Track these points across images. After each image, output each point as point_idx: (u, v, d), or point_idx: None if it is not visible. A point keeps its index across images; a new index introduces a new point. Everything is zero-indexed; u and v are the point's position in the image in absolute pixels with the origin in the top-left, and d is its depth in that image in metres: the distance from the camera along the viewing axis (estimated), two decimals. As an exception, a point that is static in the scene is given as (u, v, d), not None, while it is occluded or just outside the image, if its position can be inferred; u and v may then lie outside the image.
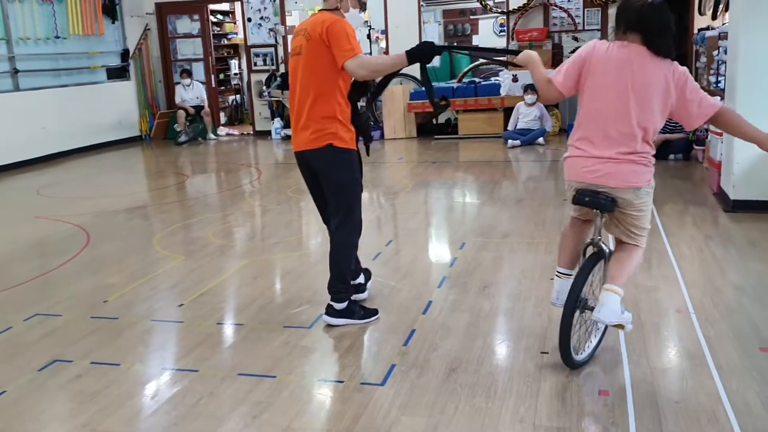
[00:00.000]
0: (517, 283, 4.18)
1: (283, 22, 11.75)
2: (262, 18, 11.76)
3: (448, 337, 3.45)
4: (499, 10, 10.79)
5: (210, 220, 6.18)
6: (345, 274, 3.67)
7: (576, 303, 2.93)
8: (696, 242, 4.77)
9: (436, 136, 10.36)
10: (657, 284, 4.02)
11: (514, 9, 10.50)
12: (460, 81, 10.75)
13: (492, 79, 10.62)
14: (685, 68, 2.84)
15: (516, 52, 3.23)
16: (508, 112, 9.81)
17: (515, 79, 9.92)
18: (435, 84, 10.51)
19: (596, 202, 2.93)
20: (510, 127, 9.48)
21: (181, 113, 11.49)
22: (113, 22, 11.44)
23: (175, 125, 11.63)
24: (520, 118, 9.39)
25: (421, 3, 10.99)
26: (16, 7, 9.49)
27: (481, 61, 10.95)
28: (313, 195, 3.79)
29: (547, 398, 2.81)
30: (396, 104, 10.54)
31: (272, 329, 3.63)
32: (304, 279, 4.44)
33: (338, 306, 3.64)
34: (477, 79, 10.60)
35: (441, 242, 5.26)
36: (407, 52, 3.36)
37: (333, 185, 3.59)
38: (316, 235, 5.58)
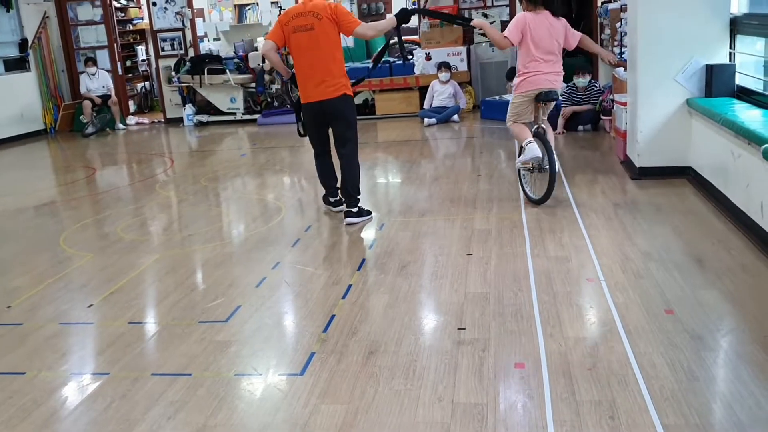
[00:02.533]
0: (434, 260, 4.21)
1: (189, 5, 11.39)
2: (167, 2, 11.35)
3: (367, 320, 3.44)
4: (411, -12, 10.77)
5: (121, 215, 5.95)
6: (358, 182, 5.13)
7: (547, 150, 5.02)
8: (605, 211, 4.92)
9: (353, 117, 10.28)
10: (568, 254, 4.13)
11: (424, -15, 10.51)
12: (375, 62, 10.68)
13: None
14: (565, 20, 5.09)
15: (469, 20, 5.37)
16: (423, 91, 9.85)
17: (428, 58, 9.95)
18: (349, 65, 10.44)
19: (553, 97, 5.09)
20: (426, 106, 9.52)
21: (87, 104, 11.00)
22: (8, 11, 10.81)
23: (81, 116, 11.13)
24: (435, 96, 9.44)
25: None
26: None
27: (395, 39, 10.92)
28: (317, 135, 5.20)
29: (465, 375, 2.84)
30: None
31: (187, 325, 3.53)
32: (220, 270, 4.34)
33: (355, 210, 5.06)
34: (391, 59, 10.58)
35: (359, 225, 5.23)
36: (394, 15, 5.04)
37: (346, 122, 5.10)
38: (230, 226, 5.47)
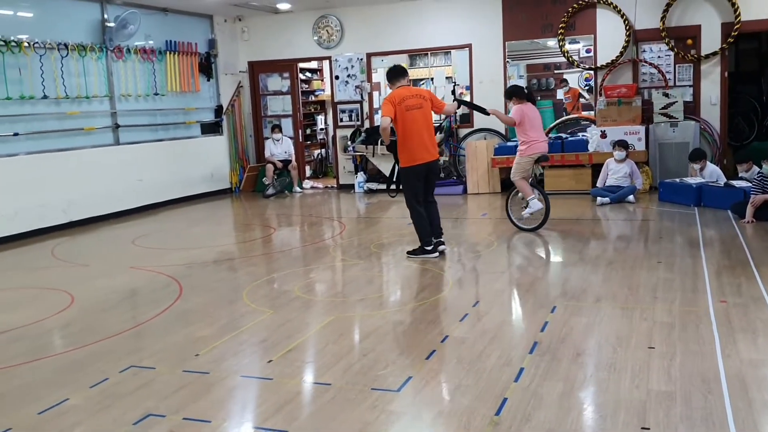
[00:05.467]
0: (611, 351, 4.00)
1: (369, 79, 12.03)
2: (349, 76, 12.09)
3: (541, 407, 3.32)
4: (586, 66, 10.69)
5: (296, 274, 6.26)
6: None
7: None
8: (807, 312, 4.46)
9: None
10: (765, 358, 3.77)
11: (602, 65, 10.39)
12: (546, 135, 10.66)
13: (579, 134, 10.48)
14: None
15: (485, 110, 7.24)
16: (595, 168, 9.62)
17: (604, 135, 9.75)
18: (518, 140, 10.47)
19: (547, 159, 7.70)
20: (599, 184, 9.28)
21: (270, 167, 11.84)
22: (208, 80, 12.00)
23: (264, 179, 11.98)
24: (610, 175, 9.19)
25: (507, 60, 11.03)
26: (119, 65, 10.11)
27: (569, 116, 10.87)
28: (422, 189, 6.52)
29: (652, 481, 2.64)
30: (480, 159, 10.53)
31: (360, 390, 3.59)
32: (390, 338, 4.40)
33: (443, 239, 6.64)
34: (564, 135, 10.48)
35: (530, 305, 5.12)
36: (455, 101, 7.10)
37: (437, 177, 6.80)
38: (397, 294, 5.56)
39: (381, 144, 11.26)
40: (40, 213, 8.68)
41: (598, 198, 8.99)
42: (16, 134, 8.52)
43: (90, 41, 9.59)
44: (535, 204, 7.29)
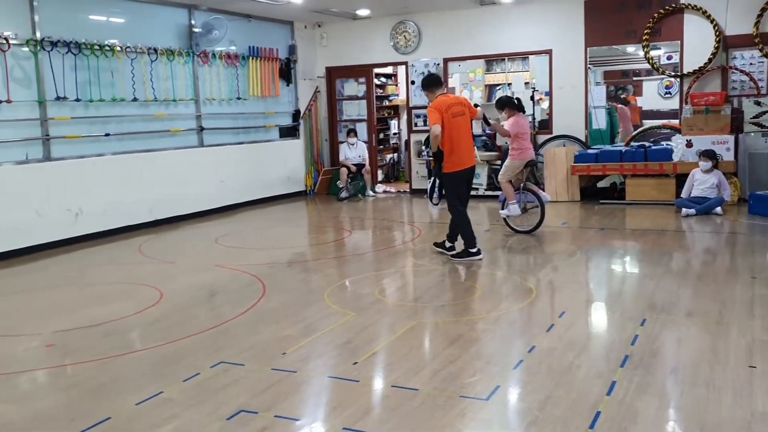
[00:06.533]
0: (708, 368, 3.85)
1: (445, 84, 11.98)
2: (425, 80, 12.06)
3: (636, 422, 3.22)
4: (672, 73, 10.37)
5: (377, 277, 6.29)
6: None
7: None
8: None
9: (601, 201, 10.04)
10: None
11: (689, 72, 10.06)
12: (627, 144, 10.42)
13: (663, 143, 10.17)
14: None
15: (488, 121, 7.47)
16: (680, 178, 9.32)
17: (689, 144, 9.44)
18: (600, 146, 10.26)
19: (535, 164, 8.19)
20: (684, 195, 8.98)
21: (344, 171, 11.96)
22: (288, 85, 12.22)
23: (338, 182, 12.11)
24: (696, 185, 8.88)
25: (588, 65, 10.82)
26: (205, 70, 10.40)
27: (652, 123, 10.58)
28: (465, 193, 6.82)
29: (764, 507, 2.52)
30: (558, 166, 10.35)
31: (448, 397, 3.57)
32: (475, 346, 4.36)
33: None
34: (647, 143, 10.20)
35: (618, 317, 4.98)
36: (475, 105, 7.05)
37: (472, 181, 6.95)
38: (481, 301, 5.50)
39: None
40: (127, 211, 9.01)
41: (683, 209, 8.70)
42: (107, 135, 8.87)
43: (177, 46, 9.91)
44: (514, 209, 7.71)
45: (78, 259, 7.58)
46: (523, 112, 7.93)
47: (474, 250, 6.69)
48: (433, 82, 6.78)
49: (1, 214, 7.50)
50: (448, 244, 6.97)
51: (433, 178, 7.42)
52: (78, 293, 6.24)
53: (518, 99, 8.09)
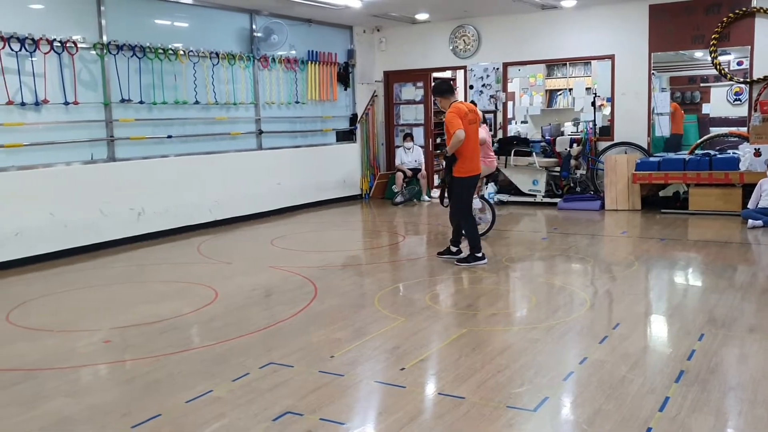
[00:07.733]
0: (771, 387, 3.69)
1: (504, 89, 11.88)
2: (483, 85, 12.00)
3: (690, 441, 3.11)
4: (741, 79, 10.01)
5: (426, 283, 6.27)
6: None
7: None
8: None
9: (662, 210, 9.76)
10: None
11: (758, 78, 9.69)
12: (692, 153, 10.10)
13: (730, 152, 9.82)
14: None
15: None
16: (747, 188, 8.98)
17: (758, 153, 9.08)
18: (662, 155, 9.99)
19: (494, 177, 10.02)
20: (751, 206, 8.65)
21: (400, 175, 11.96)
22: (345, 89, 12.31)
23: (393, 186, 12.12)
24: (763, 196, 8.53)
25: (653, 71, 10.54)
26: (264, 74, 10.58)
27: (719, 131, 10.24)
28: (471, 198, 6.95)
29: None
30: (619, 174, 10.11)
31: (495, 407, 3.52)
32: (525, 356, 4.29)
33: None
34: (712, 152, 9.87)
35: (675, 330, 4.83)
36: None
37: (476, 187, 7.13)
38: (532, 311, 5.42)
39: (514, 155, 11.11)
40: (188, 211, 9.23)
41: (750, 221, 8.37)
42: (169, 137, 9.12)
43: (239, 50, 10.11)
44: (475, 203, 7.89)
45: (139, 258, 7.80)
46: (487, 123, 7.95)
47: (480, 254, 6.82)
48: (447, 89, 6.96)
49: (67, 212, 7.79)
50: (453, 249, 7.09)
51: (442, 183, 7.50)
52: (137, 291, 6.42)
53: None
